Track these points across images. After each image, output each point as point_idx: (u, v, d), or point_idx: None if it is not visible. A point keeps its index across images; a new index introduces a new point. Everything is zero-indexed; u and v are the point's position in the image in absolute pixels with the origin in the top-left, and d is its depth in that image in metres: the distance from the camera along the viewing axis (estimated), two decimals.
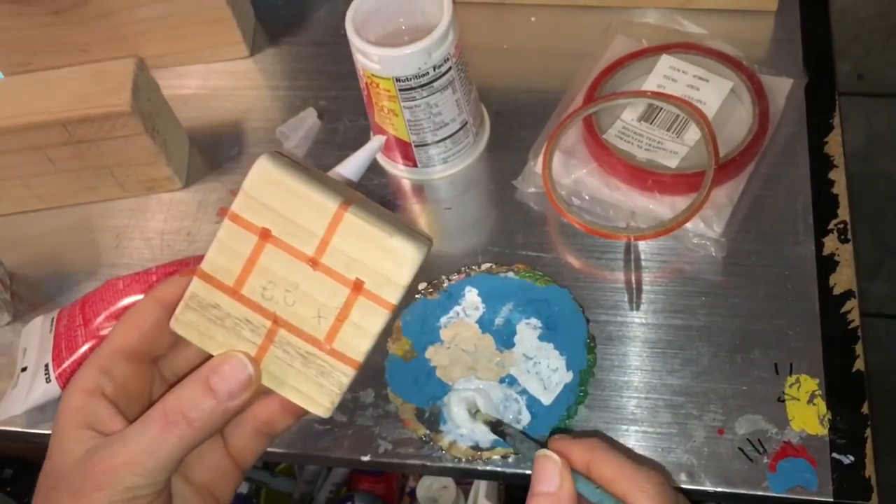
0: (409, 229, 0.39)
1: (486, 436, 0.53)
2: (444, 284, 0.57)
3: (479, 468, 0.53)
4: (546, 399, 0.54)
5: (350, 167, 0.59)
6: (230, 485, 0.42)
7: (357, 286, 0.38)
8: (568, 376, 0.54)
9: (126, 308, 0.53)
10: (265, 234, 0.38)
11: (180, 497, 0.39)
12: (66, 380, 0.53)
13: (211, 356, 0.39)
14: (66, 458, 0.37)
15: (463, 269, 0.58)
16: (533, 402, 0.54)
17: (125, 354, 0.40)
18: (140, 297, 0.53)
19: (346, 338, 0.39)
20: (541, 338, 0.55)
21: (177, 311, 0.39)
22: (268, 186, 0.38)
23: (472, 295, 0.57)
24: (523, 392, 0.54)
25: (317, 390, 0.39)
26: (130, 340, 0.40)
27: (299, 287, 0.38)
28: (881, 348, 1.22)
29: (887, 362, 1.19)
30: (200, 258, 0.40)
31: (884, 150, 1.08)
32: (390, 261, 0.37)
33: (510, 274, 0.58)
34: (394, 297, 0.38)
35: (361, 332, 0.38)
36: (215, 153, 0.69)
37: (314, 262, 0.38)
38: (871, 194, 1.12)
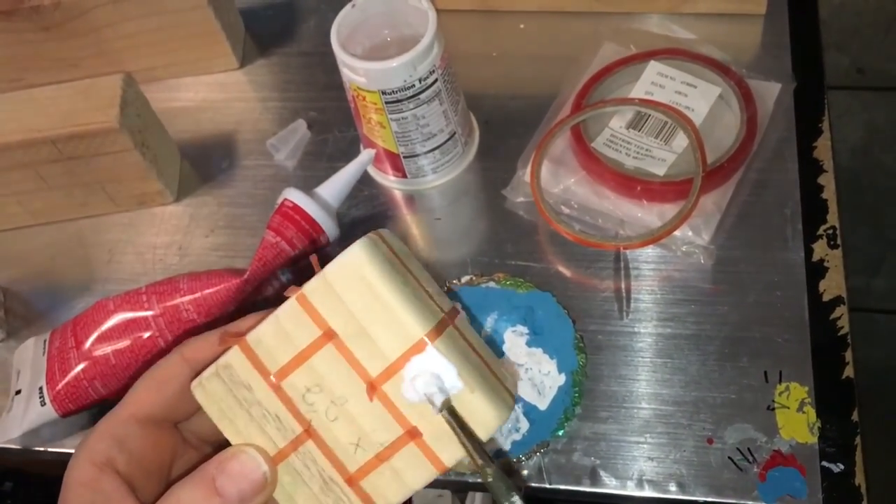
0: (494, 381, 0.33)
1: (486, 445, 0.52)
2: None
3: (471, 480, 0.53)
4: (542, 404, 0.54)
5: (339, 181, 0.59)
6: None
7: (413, 432, 0.32)
8: (560, 379, 0.54)
9: (117, 327, 0.53)
10: (330, 334, 0.32)
11: None
12: (61, 402, 0.53)
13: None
14: None
15: (444, 284, 0.58)
16: (529, 409, 0.53)
17: (143, 421, 0.34)
18: (128, 315, 0.53)
19: (379, 480, 0.33)
20: (529, 344, 0.55)
21: (203, 375, 0.34)
22: (354, 282, 0.32)
23: None
24: (518, 400, 0.54)
25: None
26: (151, 405, 0.35)
27: (347, 404, 0.33)
28: (883, 344, 1.21)
29: (889, 358, 1.19)
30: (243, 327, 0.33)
31: (884, 145, 1.07)
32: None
33: (491, 284, 0.58)
34: (450, 459, 0.33)
35: (399, 482, 0.33)
36: (207, 166, 0.69)
37: (373, 387, 0.32)
38: (872, 189, 1.12)
